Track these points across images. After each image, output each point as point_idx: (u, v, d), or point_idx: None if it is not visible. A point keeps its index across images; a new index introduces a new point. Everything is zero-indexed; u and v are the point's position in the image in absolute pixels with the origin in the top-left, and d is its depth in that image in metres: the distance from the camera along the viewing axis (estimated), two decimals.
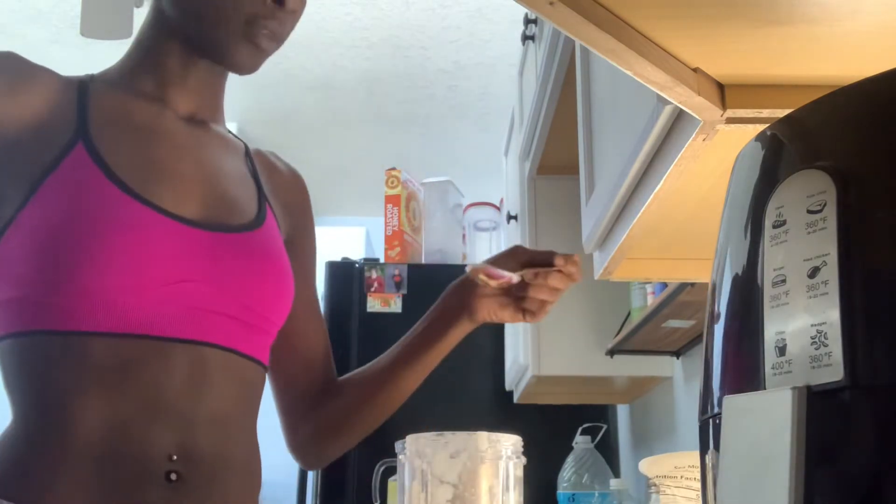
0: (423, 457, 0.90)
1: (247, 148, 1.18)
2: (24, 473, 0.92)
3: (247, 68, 1.05)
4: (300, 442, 1.20)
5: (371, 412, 1.17)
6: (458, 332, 1.14)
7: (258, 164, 1.17)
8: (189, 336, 0.97)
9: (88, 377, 0.93)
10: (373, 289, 2.97)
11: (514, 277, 1.07)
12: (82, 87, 1.03)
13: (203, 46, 1.05)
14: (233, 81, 1.13)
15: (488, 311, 1.12)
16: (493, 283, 1.07)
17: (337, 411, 1.17)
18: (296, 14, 1.04)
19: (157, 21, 1.07)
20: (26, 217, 0.93)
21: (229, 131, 1.19)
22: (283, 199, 1.18)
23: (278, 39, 1.04)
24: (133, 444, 0.92)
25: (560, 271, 1.08)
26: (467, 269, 1.08)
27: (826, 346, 0.50)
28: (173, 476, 0.93)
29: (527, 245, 2.42)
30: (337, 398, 1.18)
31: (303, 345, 1.19)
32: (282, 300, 1.07)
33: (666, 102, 0.82)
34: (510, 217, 2.67)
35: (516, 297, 1.12)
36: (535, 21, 2.27)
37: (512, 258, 1.11)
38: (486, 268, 1.07)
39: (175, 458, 0.93)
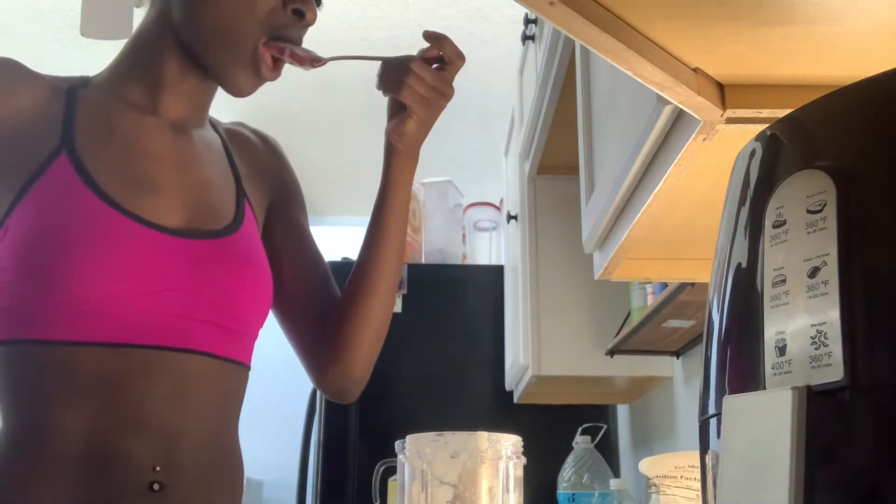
0: (423, 457, 0.90)
1: (222, 138, 1.19)
2: (9, 481, 0.93)
3: (243, 93, 1.09)
4: (327, 377, 1.14)
5: (365, 300, 1.12)
6: (399, 159, 1.18)
7: (233, 146, 1.19)
8: (172, 344, 0.98)
9: (73, 387, 0.94)
10: None
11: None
12: (71, 94, 1.04)
13: (204, 62, 1.06)
14: None
15: (393, 126, 1.18)
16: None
17: (337, 319, 1.13)
18: (307, 28, 1.10)
19: (160, 24, 1.07)
20: (11, 225, 0.95)
21: (210, 121, 1.19)
22: (260, 170, 1.20)
23: (279, 68, 1.09)
24: (116, 455, 0.93)
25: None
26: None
27: (826, 346, 0.50)
28: (156, 486, 0.94)
29: (527, 245, 2.43)
30: (334, 310, 1.15)
31: (299, 280, 1.17)
32: (259, 302, 1.07)
33: (666, 102, 0.82)
34: (510, 217, 2.67)
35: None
36: (535, 21, 2.27)
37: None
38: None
39: (158, 468, 0.95)
